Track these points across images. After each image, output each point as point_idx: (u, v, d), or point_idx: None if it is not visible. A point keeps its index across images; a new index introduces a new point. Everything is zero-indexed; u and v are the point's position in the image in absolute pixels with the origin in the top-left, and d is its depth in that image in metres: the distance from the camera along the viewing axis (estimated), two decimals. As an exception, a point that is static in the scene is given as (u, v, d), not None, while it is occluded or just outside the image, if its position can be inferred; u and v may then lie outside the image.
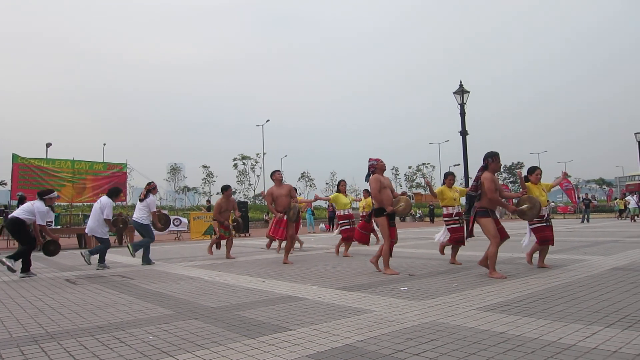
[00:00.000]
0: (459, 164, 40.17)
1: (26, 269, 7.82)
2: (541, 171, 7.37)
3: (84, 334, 3.82)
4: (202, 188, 69.94)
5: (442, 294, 5.07)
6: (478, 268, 7.13)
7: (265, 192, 11.02)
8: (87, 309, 4.90)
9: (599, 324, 3.61)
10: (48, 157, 21.63)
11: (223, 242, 10.86)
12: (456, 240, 7.91)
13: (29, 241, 7.87)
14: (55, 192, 8.88)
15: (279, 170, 9.10)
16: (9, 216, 8.09)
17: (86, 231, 9.35)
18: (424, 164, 78.47)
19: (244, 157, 65.22)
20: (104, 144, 62.45)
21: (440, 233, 8.41)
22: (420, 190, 72.07)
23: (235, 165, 65.77)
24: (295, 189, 9.41)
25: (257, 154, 63.05)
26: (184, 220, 20.96)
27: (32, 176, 16.64)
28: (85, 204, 21.31)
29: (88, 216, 18.39)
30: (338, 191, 10.01)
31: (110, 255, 12.01)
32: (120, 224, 9.79)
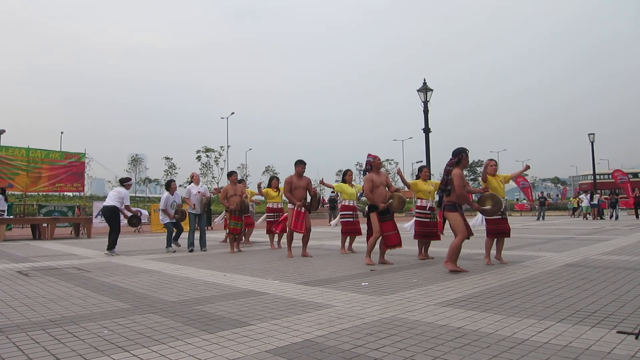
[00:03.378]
0: (421, 161, 40.72)
1: (112, 247, 9.83)
2: (495, 162, 7.53)
3: (36, 327, 3.69)
4: (164, 180, 68.54)
5: (402, 289, 5.13)
6: (438, 263, 7.26)
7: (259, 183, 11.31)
8: (39, 302, 4.74)
9: (552, 319, 3.72)
10: (1, 145, 20.75)
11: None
12: (421, 235, 7.96)
13: (119, 228, 10.09)
14: (132, 179, 11.20)
15: (304, 163, 8.93)
16: (105, 205, 10.14)
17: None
18: (387, 160, 79.07)
19: (207, 150, 64.21)
20: (62, 132, 60.33)
21: (410, 223, 8.36)
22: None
23: (199, 158, 64.76)
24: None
25: (222, 147, 62.23)
26: (145, 212, 20.54)
27: (-17, 164, 15.93)
28: (40, 193, 20.57)
29: (43, 206, 17.92)
30: (343, 181, 9.79)
31: (67, 247, 11.67)
32: (178, 215, 10.69)
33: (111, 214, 10.01)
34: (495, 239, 7.27)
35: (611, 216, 25.32)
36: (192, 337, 3.36)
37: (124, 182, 10.62)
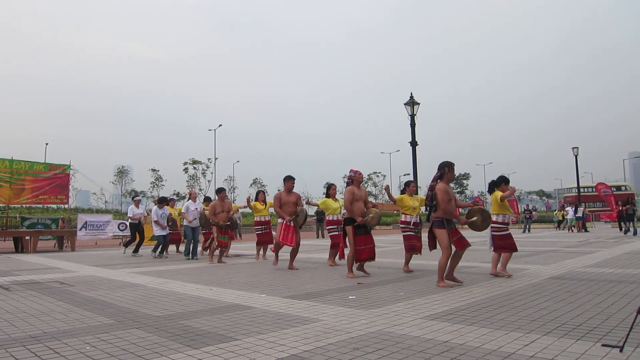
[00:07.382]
0: (408, 174, 41.00)
1: (137, 250, 12.96)
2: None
3: (15, 344, 3.61)
4: (151, 192, 67.81)
5: (389, 303, 5.12)
6: (425, 276, 7.27)
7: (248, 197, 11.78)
8: (20, 317, 4.64)
9: (537, 332, 3.73)
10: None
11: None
12: (410, 248, 8.00)
13: (142, 237, 13.30)
14: (139, 196, 14.65)
15: (293, 178, 9.06)
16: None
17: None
18: (375, 172, 79.25)
19: (194, 162, 63.79)
20: (47, 144, 59.53)
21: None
22: (372, 199, 72.65)
23: (186, 170, 64.31)
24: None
25: (209, 159, 61.85)
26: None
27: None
28: (23, 205, 20.24)
29: (26, 219, 17.61)
30: (327, 195, 9.85)
31: (50, 261, 11.49)
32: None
33: (131, 227, 13.59)
34: (502, 254, 7.25)
35: (627, 230, 21.18)
36: (176, 352, 3.31)
37: (133, 197, 14.24)
